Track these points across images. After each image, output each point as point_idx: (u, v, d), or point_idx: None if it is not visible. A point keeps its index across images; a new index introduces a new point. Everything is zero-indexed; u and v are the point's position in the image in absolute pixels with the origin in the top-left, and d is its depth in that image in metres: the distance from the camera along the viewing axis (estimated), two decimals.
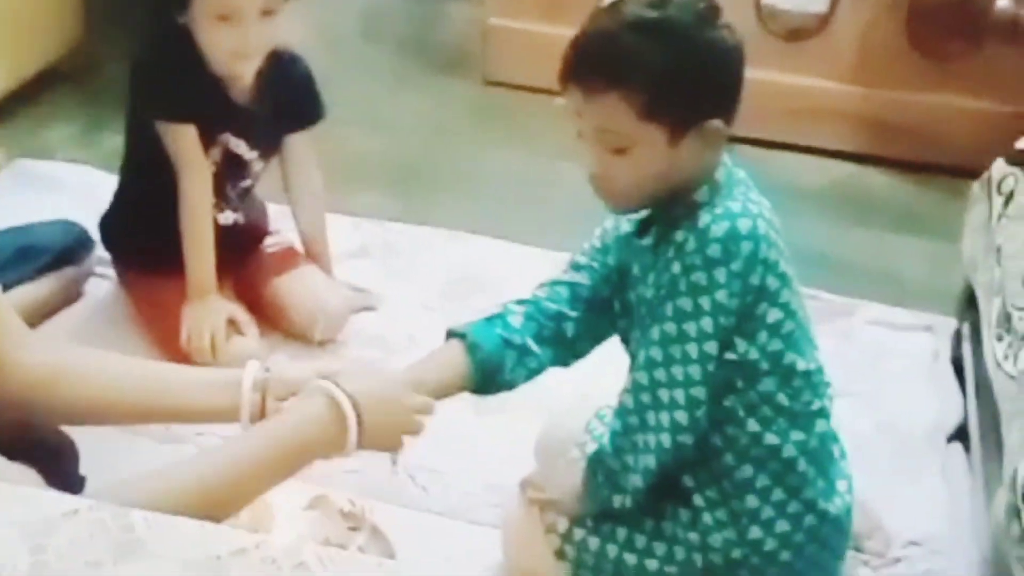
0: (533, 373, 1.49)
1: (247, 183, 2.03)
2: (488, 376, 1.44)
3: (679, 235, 1.30)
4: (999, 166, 2.05)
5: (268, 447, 1.19)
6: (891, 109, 2.93)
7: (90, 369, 1.28)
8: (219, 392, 1.27)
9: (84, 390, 1.22)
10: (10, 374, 1.21)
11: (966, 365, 2.03)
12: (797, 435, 1.38)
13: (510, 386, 1.48)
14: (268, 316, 2.04)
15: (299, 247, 2.14)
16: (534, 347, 1.46)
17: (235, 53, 1.84)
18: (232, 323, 1.91)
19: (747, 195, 1.34)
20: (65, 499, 0.97)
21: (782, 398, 1.36)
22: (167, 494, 1.08)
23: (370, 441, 1.23)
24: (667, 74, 1.26)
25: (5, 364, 1.17)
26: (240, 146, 1.96)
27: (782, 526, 1.38)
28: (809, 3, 2.98)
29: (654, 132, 1.28)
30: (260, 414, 1.27)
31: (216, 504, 1.11)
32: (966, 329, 2.08)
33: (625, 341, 1.48)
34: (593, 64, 1.29)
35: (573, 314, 1.49)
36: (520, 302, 1.50)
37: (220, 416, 1.28)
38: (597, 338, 1.52)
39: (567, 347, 1.50)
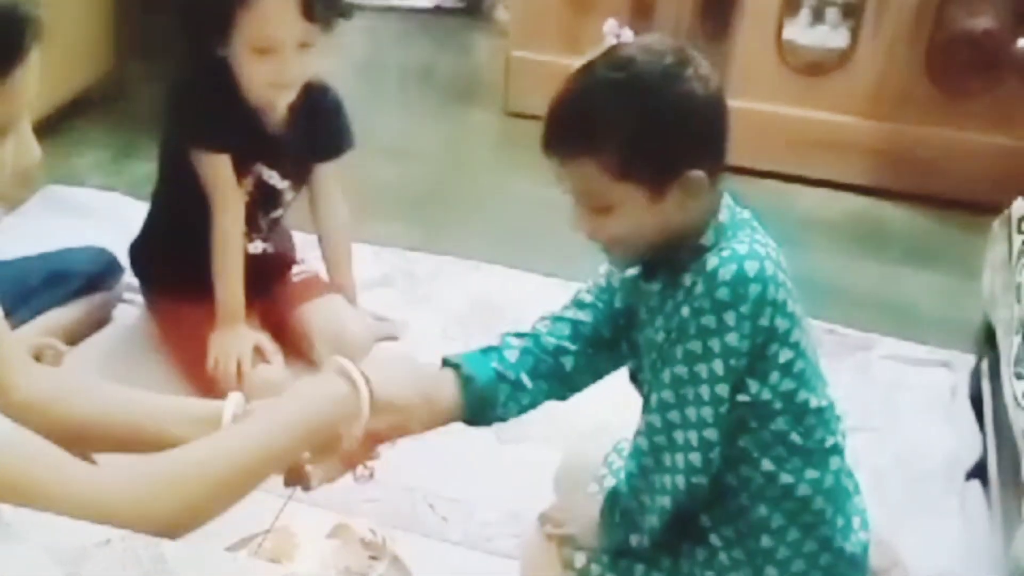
0: (526, 408, 1.49)
1: (278, 213, 2.06)
2: (479, 409, 1.45)
3: (687, 279, 1.31)
4: (1019, 205, 2.07)
5: (285, 424, 1.21)
6: (909, 144, 2.96)
7: (81, 395, 1.32)
8: (201, 424, 1.29)
9: (73, 415, 1.25)
10: (6, 397, 1.25)
11: (985, 402, 2.04)
12: (811, 473, 1.39)
13: (501, 419, 1.48)
14: (293, 344, 2.07)
15: (324, 276, 2.17)
16: (528, 383, 1.46)
17: (273, 84, 1.88)
18: (258, 351, 1.94)
19: (753, 236, 1.34)
20: (99, 529, 0.99)
21: (795, 436, 1.37)
22: (206, 467, 1.12)
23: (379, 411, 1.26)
24: (636, 134, 1.26)
25: (3, 387, 1.20)
26: (272, 176, 2.00)
27: (798, 565, 1.39)
28: (829, 38, 3.01)
29: (633, 191, 1.29)
30: None
31: (247, 478, 1.15)
32: (985, 365, 2.09)
33: (635, 382, 1.49)
34: (564, 130, 1.30)
35: (573, 349, 1.49)
36: (519, 335, 1.50)
37: None
38: (595, 374, 1.53)
39: (564, 382, 1.51)
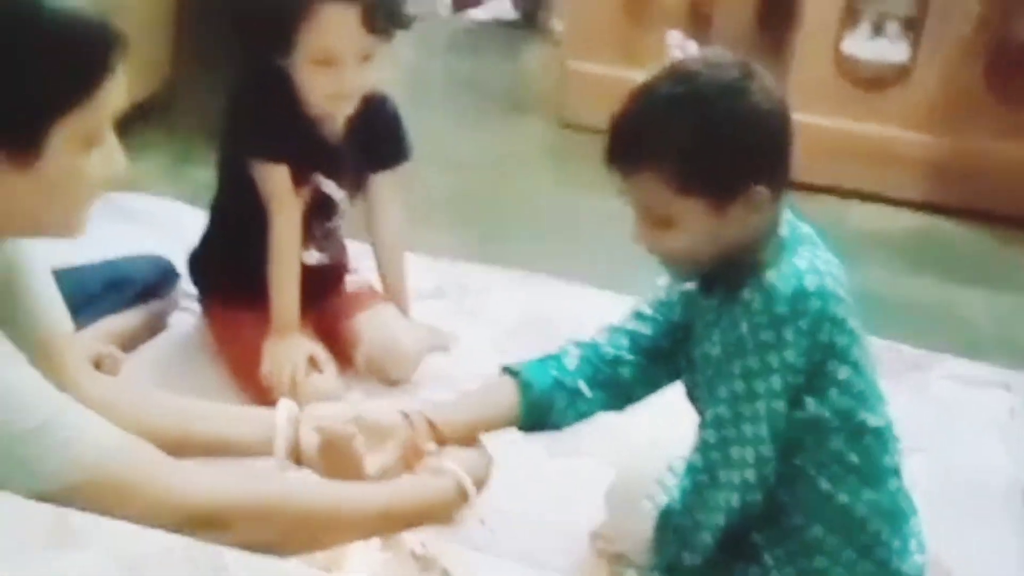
0: (583, 416, 1.51)
1: (334, 222, 2.07)
2: (537, 415, 1.47)
3: (745, 293, 1.30)
4: None
5: (396, 500, 1.30)
6: (970, 159, 2.92)
7: (142, 401, 1.39)
8: (257, 425, 1.37)
9: (136, 419, 1.28)
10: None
11: None
12: (868, 494, 1.38)
13: (558, 427, 1.51)
14: (346, 354, 2.07)
15: (378, 286, 2.17)
16: (586, 391, 1.48)
17: (333, 96, 1.89)
18: (312, 360, 1.95)
19: (814, 252, 1.34)
20: (162, 536, 1.01)
21: (852, 456, 1.36)
22: (300, 509, 1.20)
23: None
24: (698, 148, 1.27)
25: (72, 392, 1.23)
26: (330, 186, 2.00)
27: None
28: (889, 52, 2.98)
29: (695, 205, 1.29)
30: (295, 446, 1.37)
31: (342, 531, 1.25)
32: None
33: (691, 397, 1.49)
34: (627, 145, 1.31)
35: (631, 359, 1.50)
36: (578, 344, 1.52)
37: (255, 448, 1.38)
38: (653, 386, 1.54)
39: (621, 392, 1.52)
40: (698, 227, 1.30)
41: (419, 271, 2.33)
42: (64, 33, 1.08)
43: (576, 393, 1.47)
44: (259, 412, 1.43)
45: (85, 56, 1.09)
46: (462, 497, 1.33)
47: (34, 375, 1.11)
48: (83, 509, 1.04)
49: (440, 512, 1.33)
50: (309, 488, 1.29)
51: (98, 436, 1.12)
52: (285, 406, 1.38)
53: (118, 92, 1.13)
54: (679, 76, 1.29)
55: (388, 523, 1.32)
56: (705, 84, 1.28)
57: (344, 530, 1.26)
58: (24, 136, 1.08)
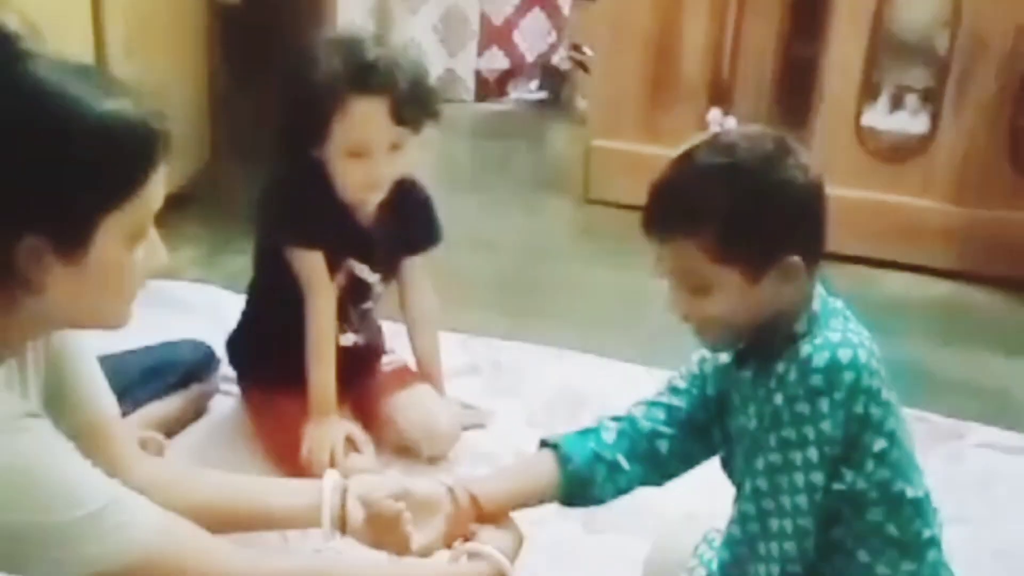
0: (622, 490, 1.52)
1: (368, 305, 2.11)
2: (577, 489, 1.48)
3: (780, 366, 1.32)
4: None
5: None
6: (993, 227, 2.94)
7: (190, 480, 1.42)
8: (303, 496, 1.40)
9: (185, 498, 1.31)
10: (125, 484, 1.31)
11: None
12: (908, 566, 1.37)
13: (598, 501, 1.52)
14: (383, 433, 2.10)
15: (413, 366, 2.21)
16: (625, 464, 1.49)
17: (366, 185, 1.94)
18: (350, 441, 1.98)
19: (846, 325, 1.35)
20: None
21: (891, 528, 1.36)
22: None
23: None
24: (736, 218, 1.29)
25: (121, 476, 1.27)
26: (363, 270, 2.05)
27: None
28: (909, 124, 3.03)
29: (730, 273, 1.31)
30: (341, 516, 1.39)
31: None
32: None
33: (727, 470, 1.50)
34: (666, 212, 1.34)
35: (668, 433, 1.51)
36: (615, 419, 1.53)
37: (302, 519, 1.41)
38: (690, 460, 1.55)
39: (659, 467, 1.53)
40: (732, 296, 1.32)
41: (453, 350, 2.36)
42: (111, 132, 1.10)
43: (615, 467, 1.49)
44: (305, 483, 1.46)
45: (131, 154, 1.12)
46: None
47: (85, 464, 1.14)
48: None
49: None
50: (351, 564, 1.31)
51: (148, 520, 1.15)
52: (331, 477, 1.40)
53: (161, 187, 1.16)
54: (718, 147, 1.33)
55: None
56: (743, 155, 1.31)
57: None
58: (72, 232, 1.10)
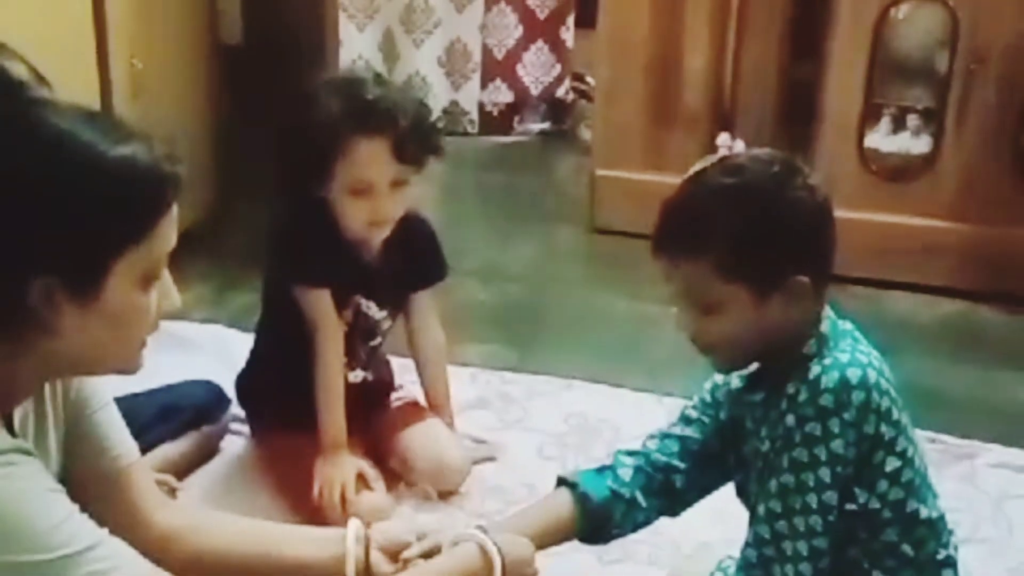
0: (640, 525, 1.53)
1: (376, 342, 2.12)
2: (595, 527, 1.49)
3: (790, 388, 1.33)
4: None
5: None
6: (1000, 244, 2.94)
7: (213, 526, 1.42)
8: (326, 546, 1.40)
9: (208, 545, 1.31)
10: (148, 530, 1.33)
11: None
12: None
13: (616, 537, 1.52)
14: (394, 469, 2.10)
15: (422, 401, 2.21)
16: (642, 500, 1.50)
17: (369, 223, 1.95)
18: (361, 478, 1.97)
19: (855, 346, 1.36)
20: None
21: (906, 548, 1.36)
22: None
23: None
24: (745, 237, 1.31)
25: (144, 522, 1.26)
26: (371, 307, 2.06)
27: None
28: (912, 144, 3.03)
29: (738, 292, 1.33)
30: (366, 567, 1.39)
31: None
32: None
33: (742, 495, 1.50)
34: (676, 232, 1.36)
35: (682, 466, 1.52)
36: (630, 453, 1.54)
37: (327, 569, 1.40)
38: (705, 490, 1.56)
39: (675, 498, 1.54)
40: (741, 315, 1.34)
41: (461, 383, 2.36)
42: (123, 176, 1.11)
43: (633, 503, 1.49)
44: (328, 532, 1.47)
45: (143, 197, 1.13)
46: (487, 562, 1.35)
47: (71, 507, 1.13)
48: None
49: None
50: None
51: (134, 570, 1.14)
52: (354, 526, 1.41)
53: (173, 229, 1.17)
54: (728, 168, 1.35)
55: None
56: (752, 176, 1.33)
57: None
58: (84, 274, 1.11)
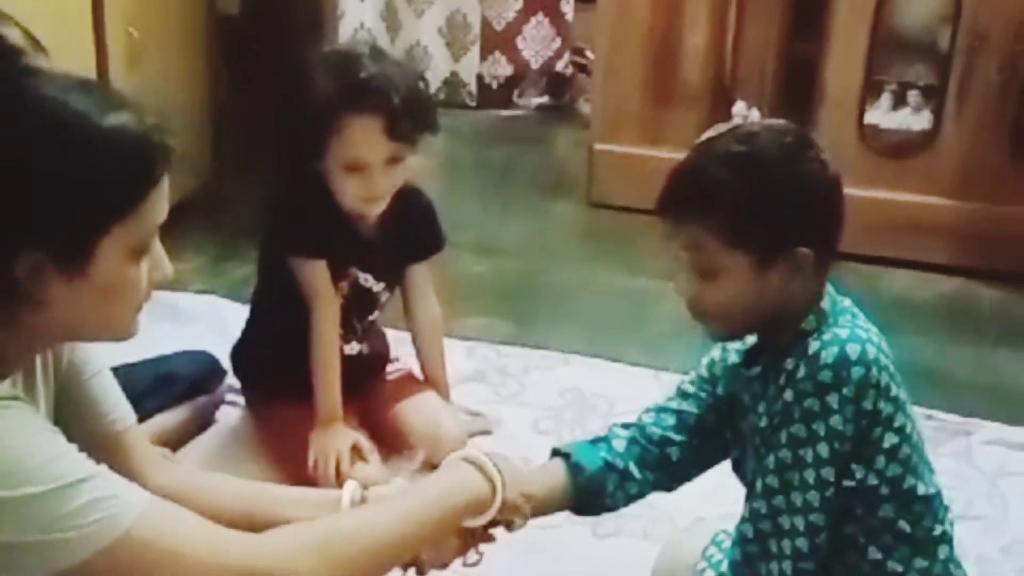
0: (634, 498, 1.52)
1: (372, 314, 2.11)
2: (589, 498, 1.48)
3: (789, 363, 1.32)
4: None
5: (428, 506, 1.31)
6: (999, 222, 2.93)
7: (211, 488, 1.41)
8: (321, 507, 1.38)
9: (207, 506, 1.30)
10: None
11: None
12: (920, 562, 1.37)
13: (610, 509, 1.51)
14: (389, 441, 2.10)
15: (418, 373, 2.21)
16: (636, 472, 1.49)
17: (363, 198, 1.94)
18: (356, 449, 1.97)
19: (855, 322, 1.36)
20: None
21: (903, 524, 1.36)
22: (346, 541, 1.21)
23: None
24: (751, 203, 1.31)
25: (142, 485, 1.25)
26: (367, 279, 2.05)
27: None
28: (912, 121, 3.02)
29: (740, 259, 1.32)
30: None
31: (392, 552, 1.26)
32: None
33: (738, 471, 1.50)
34: (681, 193, 1.35)
35: (678, 440, 1.51)
36: (625, 426, 1.54)
37: None
38: (702, 465, 1.55)
39: (670, 472, 1.53)
40: (740, 282, 1.33)
41: (459, 356, 2.37)
42: (112, 147, 1.10)
43: (626, 475, 1.49)
44: (324, 493, 1.47)
45: (132, 169, 1.11)
46: (485, 477, 1.35)
47: (68, 445, 1.11)
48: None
49: (472, 499, 1.34)
50: (346, 519, 1.29)
51: (133, 496, 1.12)
52: (350, 487, 1.40)
53: (165, 201, 1.15)
54: (740, 136, 1.35)
55: (428, 525, 1.31)
56: (763, 144, 1.33)
57: (390, 548, 1.26)
58: (72, 247, 1.10)
